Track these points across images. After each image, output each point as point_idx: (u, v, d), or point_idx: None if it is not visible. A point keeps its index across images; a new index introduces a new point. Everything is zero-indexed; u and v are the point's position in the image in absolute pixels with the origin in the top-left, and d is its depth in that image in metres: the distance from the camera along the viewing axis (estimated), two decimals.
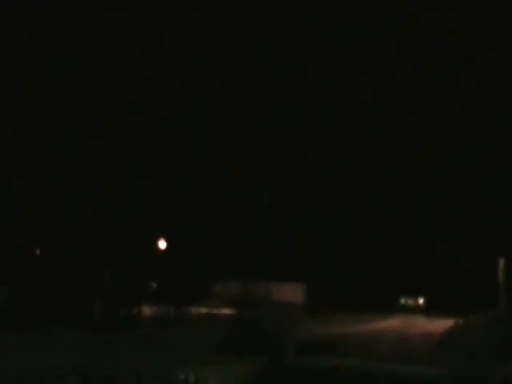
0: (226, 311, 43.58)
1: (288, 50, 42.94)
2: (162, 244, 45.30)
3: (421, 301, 62.85)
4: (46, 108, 37.81)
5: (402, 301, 62.95)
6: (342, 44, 47.06)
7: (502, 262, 39.67)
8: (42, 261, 35.09)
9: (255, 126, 35.23)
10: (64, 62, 38.40)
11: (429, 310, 54.78)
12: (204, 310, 43.25)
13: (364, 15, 46.88)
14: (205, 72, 42.95)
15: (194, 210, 42.83)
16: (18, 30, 37.88)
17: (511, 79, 44.54)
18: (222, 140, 44.71)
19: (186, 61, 42.91)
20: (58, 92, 38.56)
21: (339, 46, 46.91)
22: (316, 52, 46.31)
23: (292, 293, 50.76)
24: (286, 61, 42.53)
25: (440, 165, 51.70)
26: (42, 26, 38.07)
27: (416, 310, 57.14)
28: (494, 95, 46.76)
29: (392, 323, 44.78)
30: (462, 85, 48.50)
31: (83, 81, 38.83)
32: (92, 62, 38.80)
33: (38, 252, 35.31)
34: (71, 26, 38.53)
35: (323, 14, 45.63)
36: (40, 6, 38.12)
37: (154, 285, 44.69)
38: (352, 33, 47.04)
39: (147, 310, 40.20)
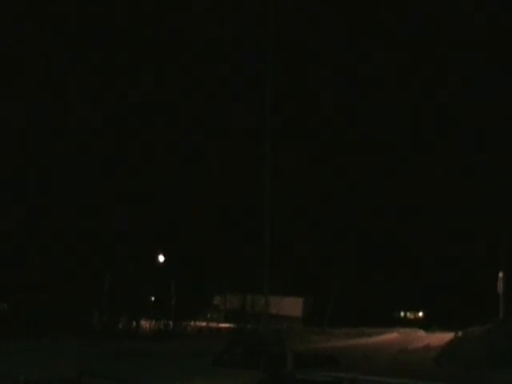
0: (225, 324, 43.44)
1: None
2: (161, 257, 45.22)
3: (420, 314, 62.83)
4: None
5: (402, 314, 62.93)
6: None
7: (501, 274, 39.83)
8: (42, 272, 34.96)
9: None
10: None
11: (428, 323, 54.71)
12: (203, 323, 43.08)
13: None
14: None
15: (193, 223, 42.75)
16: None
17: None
18: (222, 152, 44.87)
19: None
20: None
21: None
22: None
23: (291, 306, 50.65)
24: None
25: (436, 182, 51.91)
26: None
27: (415, 324, 57.08)
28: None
29: (392, 337, 44.66)
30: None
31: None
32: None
33: (37, 263, 35.19)
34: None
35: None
36: None
37: (152, 298, 44.51)
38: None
39: (145, 323, 40.04)
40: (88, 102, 39.32)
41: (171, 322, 39.95)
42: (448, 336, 33.96)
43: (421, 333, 49.72)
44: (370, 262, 52.55)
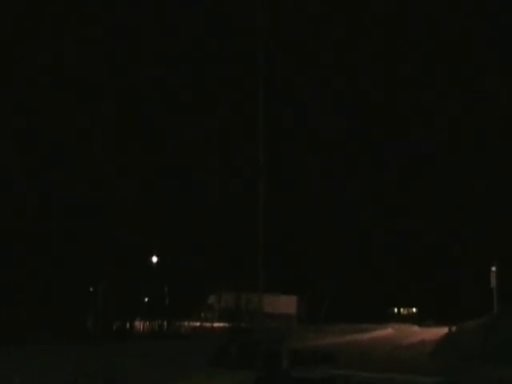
0: (219, 324, 43.40)
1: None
2: (154, 258, 45.15)
3: (413, 310, 63.01)
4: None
5: (395, 310, 63.09)
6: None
7: (494, 268, 39.91)
8: (37, 274, 34.87)
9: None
10: None
11: (421, 319, 54.85)
12: (197, 323, 42.99)
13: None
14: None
15: (187, 223, 42.72)
16: None
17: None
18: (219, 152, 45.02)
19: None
20: None
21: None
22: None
23: (286, 304, 50.68)
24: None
25: (433, 178, 52.16)
26: None
27: (409, 319, 57.25)
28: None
29: (387, 332, 44.80)
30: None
31: None
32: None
33: (34, 266, 35.11)
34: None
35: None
36: None
37: (146, 299, 44.43)
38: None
39: (139, 324, 39.89)
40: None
41: (165, 323, 39.83)
42: (442, 331, 34.06)
43: (415, 328, 49.85)
44: (365, 260, 52.63)
